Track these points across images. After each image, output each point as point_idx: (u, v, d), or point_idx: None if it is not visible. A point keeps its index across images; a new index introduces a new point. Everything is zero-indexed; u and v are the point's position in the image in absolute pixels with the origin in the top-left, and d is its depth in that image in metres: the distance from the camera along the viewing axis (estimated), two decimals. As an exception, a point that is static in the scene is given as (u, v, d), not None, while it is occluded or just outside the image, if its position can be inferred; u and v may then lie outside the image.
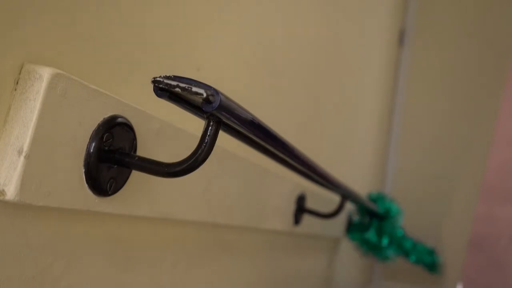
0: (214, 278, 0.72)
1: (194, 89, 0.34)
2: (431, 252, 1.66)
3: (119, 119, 0.43)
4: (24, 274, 0.38)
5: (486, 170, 1.67)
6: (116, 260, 0.50)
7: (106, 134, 0.41)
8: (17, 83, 0.36)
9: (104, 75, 0.45)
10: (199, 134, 0.38)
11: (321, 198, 1.10)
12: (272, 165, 0.76)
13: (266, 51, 0.82)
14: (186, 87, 0.34)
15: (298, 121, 1.00)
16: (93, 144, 0.40)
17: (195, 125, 0.50)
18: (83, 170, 0.40)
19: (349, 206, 1.42)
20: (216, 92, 0.34)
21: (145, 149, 0.47)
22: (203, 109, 0.35)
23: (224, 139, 0.50)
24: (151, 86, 0.36)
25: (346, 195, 0.99)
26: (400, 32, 1.96)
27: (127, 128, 0.44)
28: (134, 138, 0.45)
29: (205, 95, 0.34)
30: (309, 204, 1.02)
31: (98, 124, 0.41)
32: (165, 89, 0.36)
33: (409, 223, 1.56)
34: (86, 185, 0.40)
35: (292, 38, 0.92)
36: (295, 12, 0.93)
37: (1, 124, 0.36)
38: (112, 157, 0.42)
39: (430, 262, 1.63)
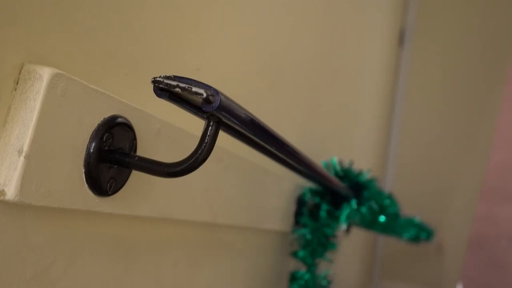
0: (214, 278, 0.72)
1: (194, 89, 0.34)
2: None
3: (119, 119, 0.43)
4: (24, 274, 0.38)
5: (486, 170, 1.67)
6: (116, 260, 0.50)
7: (106, 134, 0.41)
8: (17, 83, 0.36)
9: (104, 75, 0.45)
10: (199, 134, 0.38)
11: (321, 198, 1.10)
12: (272, 165, 0.76)
13: (266, 51, 0.82)
14: (186, 87, 0.34)
15: (298, 120, 1.00)
16: (93, 144, 0.40)
17: (195, 125, 0.50)
18: (83, 170, 0.40)
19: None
20: (216, 92, 0.34)
21: (145, 149, 0.47)
22: (203, 109, 0.35)
23: (224, 139, 0.50)
24: (151, 86, 0.36)
25: (347, 194, 0.99)
26: (400, 32, 1.96)
27: (127, 128, 0.44)
28: (134, 138, 0.45)
29: (205, 95, 0.34)
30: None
31: (98, 124, 0.41)
32: (165, 89, 0.36)
33: (409, 223, 1.56)
34: (86, 185, 0.40)
35: (292, 38, 0.92)
36: (294, 13, 0.93)
37: (1, 124, 0.36)
38: (112, 157, 0.42)
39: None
